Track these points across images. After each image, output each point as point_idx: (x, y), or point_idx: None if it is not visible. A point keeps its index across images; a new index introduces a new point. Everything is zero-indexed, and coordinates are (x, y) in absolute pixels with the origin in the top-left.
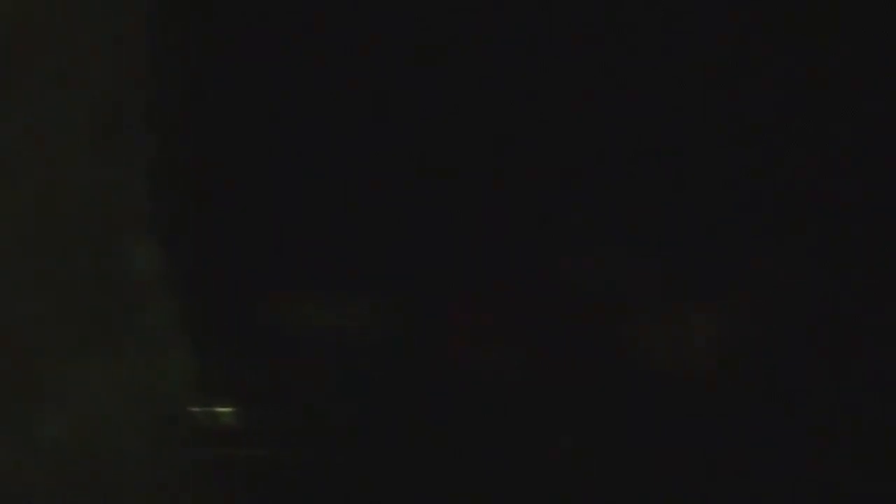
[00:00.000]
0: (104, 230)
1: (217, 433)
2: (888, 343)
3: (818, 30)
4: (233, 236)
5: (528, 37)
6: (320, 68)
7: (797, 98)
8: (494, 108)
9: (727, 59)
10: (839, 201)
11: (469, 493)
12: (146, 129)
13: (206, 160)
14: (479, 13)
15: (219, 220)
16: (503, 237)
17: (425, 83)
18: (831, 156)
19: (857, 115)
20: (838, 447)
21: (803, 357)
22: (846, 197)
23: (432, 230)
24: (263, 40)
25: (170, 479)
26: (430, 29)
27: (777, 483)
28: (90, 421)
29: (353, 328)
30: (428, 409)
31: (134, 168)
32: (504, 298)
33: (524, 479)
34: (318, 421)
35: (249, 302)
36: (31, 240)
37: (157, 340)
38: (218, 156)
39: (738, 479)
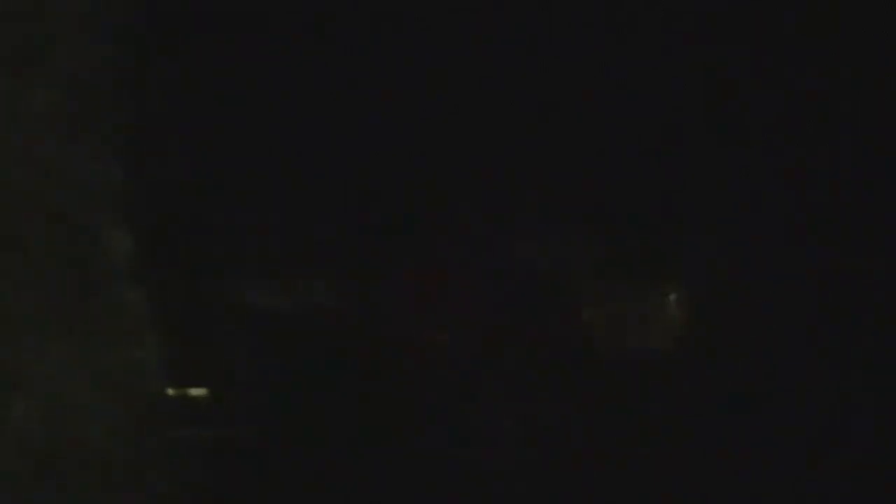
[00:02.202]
0: (74, 214)
1: (188, 415)
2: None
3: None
4: (201, 219)
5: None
6: (285, 54)
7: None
8: (456, 95)
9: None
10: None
11: (433, 471)
12: (118, 115)
13: (175, 145)
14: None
15: (188, 203)
16: (459, 220)
17: (380, 65)
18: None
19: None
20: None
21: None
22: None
23: (387, 213)
24: (238, 26)
25: (141, 463)
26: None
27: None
28: (59, 406)
29: (313, 309)
30: (390, 389)
31: (103, 152)
32: (458, 280)
33: (484, 455)
34: (284, 401)
35: (217, 284)
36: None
37: (126, 324)
38: (188, 141)
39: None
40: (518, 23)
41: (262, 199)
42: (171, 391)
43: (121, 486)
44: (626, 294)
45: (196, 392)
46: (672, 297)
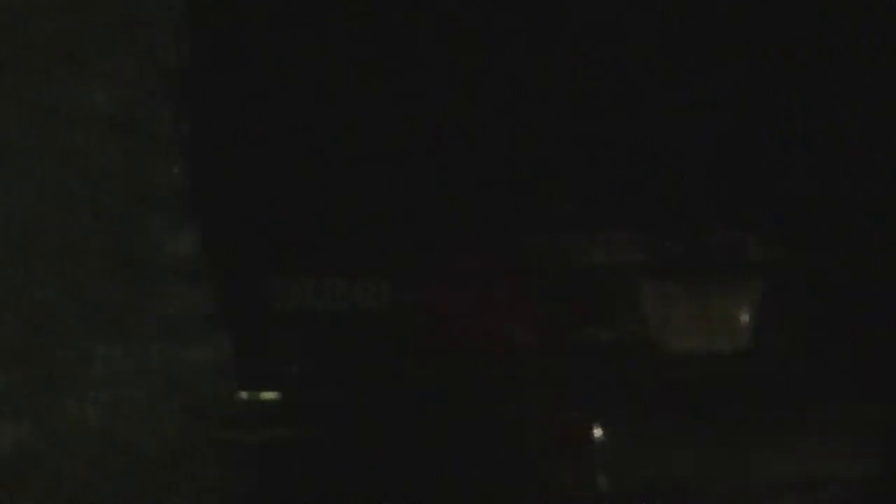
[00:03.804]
0: (126, 218)
1: (246, 416)
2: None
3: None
4: (260, 220)
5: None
6: (335, 60)
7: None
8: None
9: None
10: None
11: (489, 469)
12: (172, 117)
13: (226, 149)
14: None
15: (239, 207)
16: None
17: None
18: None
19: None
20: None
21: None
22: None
23: (424, 221)
24: (282, 31)
25: (199, 463)
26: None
27: None
28: (118, 408)
29: (373, 311)
30: (447, 389)
31: (160, 153)
32: (514, 281)
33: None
34: (342, 402)
35: (275, 285)
36: (55, 228)
37: (185, 326)
38: (237, 144)
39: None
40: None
41: (319, 199)
42: (229, 392)
43: (179, 485)
44: (683, 294)
45: (254, 393)
46: (731, 297)
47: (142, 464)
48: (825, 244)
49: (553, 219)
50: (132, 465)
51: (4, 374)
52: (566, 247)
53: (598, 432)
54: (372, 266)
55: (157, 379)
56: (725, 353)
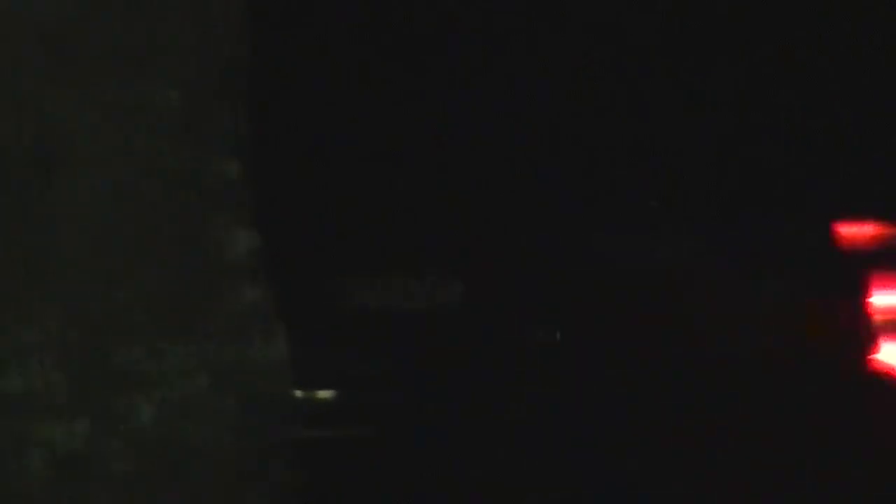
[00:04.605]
0: (191, 216)
1: (310, 415)
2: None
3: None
4: (317, 222)
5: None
6: (406, 60)
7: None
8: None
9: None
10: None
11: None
12: (234, 115)
13: (291, 148)
14: None
15: (303, 206)
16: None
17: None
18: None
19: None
20: None
21: None
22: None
23: (503, 214)
24: (348, 30)
25: (263, 463)
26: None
27: None
28: (182, 407)
29: (435, 310)
30: (511, 387)
31: (221, 151)
32: (566, 277)
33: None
34: (404, 402)
35: (338, 284)
36: (116, 227)
37: (248, 324)
38: (302, 145)
39: None
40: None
41: (382, 198)
42: (293, 391)
43: (243, 486)
44: (736, 289)
45: (317, 392)
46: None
47: (208, 463)
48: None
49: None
50: (199, 464)
51: (78, 372)
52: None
53: None
54: (435, 265)
55: (223, 377)
56: None
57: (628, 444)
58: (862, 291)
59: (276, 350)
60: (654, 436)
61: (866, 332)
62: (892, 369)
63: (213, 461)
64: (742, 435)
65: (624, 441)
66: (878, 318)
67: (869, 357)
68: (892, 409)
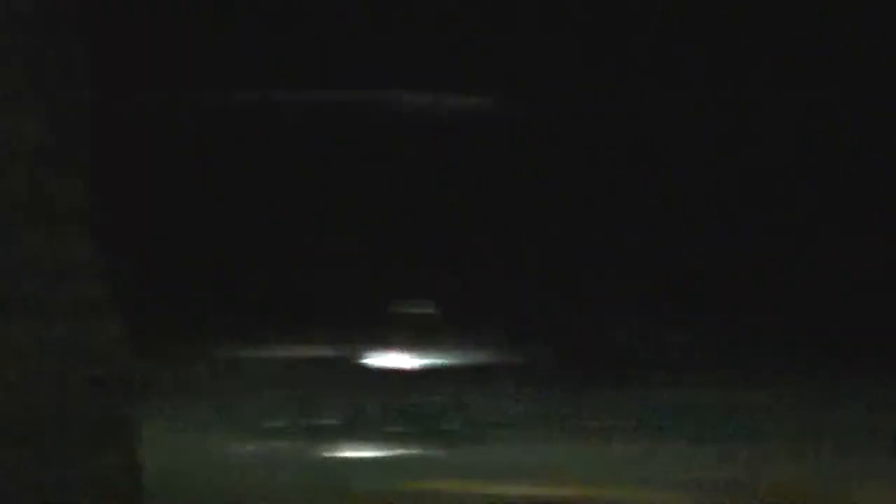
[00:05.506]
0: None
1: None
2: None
3: None
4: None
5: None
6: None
7: None
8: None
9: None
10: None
11: None
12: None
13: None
14: None
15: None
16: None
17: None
18: None
19: None
20: None
21: None
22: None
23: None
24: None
25: (102, 434)
26: None
27: None
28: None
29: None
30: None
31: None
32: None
33: None
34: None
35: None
36: None
37: (86, 309)
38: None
39: None
40: None
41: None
42: (132, 368)
43: (87, 452)
44: None
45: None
46: None
47: (57, 430)
48: None
49: None
50: (49, 431)
51: None
52: None
53: None
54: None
55: (68, 354)
56: None
57: None
58: None
59: (114, 330)
60: None
61: None
62: None
63: (60, 428)
64: None
65: None
66: None
67: None
68: None
